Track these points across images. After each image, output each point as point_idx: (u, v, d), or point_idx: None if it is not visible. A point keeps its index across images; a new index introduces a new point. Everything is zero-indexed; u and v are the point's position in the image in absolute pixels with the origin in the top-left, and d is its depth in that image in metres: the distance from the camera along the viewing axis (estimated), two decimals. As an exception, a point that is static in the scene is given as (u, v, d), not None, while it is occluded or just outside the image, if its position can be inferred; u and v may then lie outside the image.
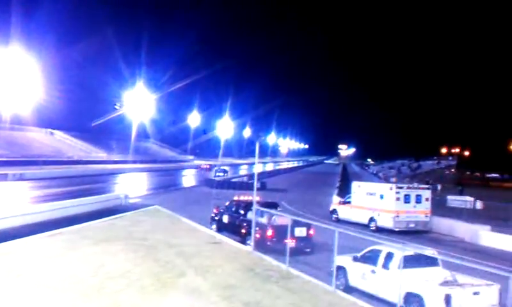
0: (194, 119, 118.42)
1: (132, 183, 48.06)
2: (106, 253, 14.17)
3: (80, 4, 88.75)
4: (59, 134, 79.40)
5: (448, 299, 10.80)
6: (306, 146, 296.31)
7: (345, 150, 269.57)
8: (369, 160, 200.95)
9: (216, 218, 21.22)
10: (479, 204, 38.59)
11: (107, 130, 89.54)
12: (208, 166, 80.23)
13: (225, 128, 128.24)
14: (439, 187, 48.63)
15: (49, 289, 10.64)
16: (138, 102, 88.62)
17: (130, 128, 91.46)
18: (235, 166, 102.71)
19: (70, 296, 10.26)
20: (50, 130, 78.24)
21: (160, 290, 10.93)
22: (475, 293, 11.17)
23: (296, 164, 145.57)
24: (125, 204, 27.34)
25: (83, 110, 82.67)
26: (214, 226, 21.01)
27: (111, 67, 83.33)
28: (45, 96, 67.89)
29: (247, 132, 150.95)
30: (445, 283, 11.79)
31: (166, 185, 47.21)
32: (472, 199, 38.98)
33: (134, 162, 76.41)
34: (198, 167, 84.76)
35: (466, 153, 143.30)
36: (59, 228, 17.58)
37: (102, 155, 78.26)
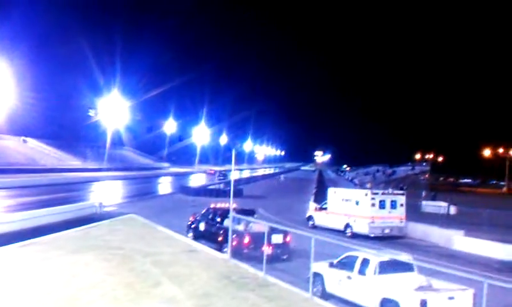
0: (170, 126, 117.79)
1: (107, 191, 47.45)
2: (80, 263, 13.90)
3: (54, 9, 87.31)
4: (32, 142, 77.97)
5: (423, 304, 10.89)
6: (283, 153, 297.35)
7: (321, 157, 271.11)
8: (345, 166, 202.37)
9: (193, 226, 21.06)
10: (452, 210, 39.19)
11: (81, 137, 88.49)
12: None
13: (201, 135, 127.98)
14: (424, 193, 48.98)
15: (20, 301, 10.38)
16: (113, 109, 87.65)
17: (105, 136, 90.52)
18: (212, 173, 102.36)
19: (41, 308, 10.02)
20: (23, 137, 76.77)
21: (134, 300, 10.75)
22: (450, 298, 11.29)
23: (272, 171, 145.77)
24: (99, 212, 26.92)
25: (57, 117, 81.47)
26: (190, 234, 20.84)
27: (86, 74, 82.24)
28: (18, 103, 66.66)
29: (223, 139, 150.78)
30: (421, 288, 11.89)
31: (142, 193, 46.76)
32: (445, 204, 39.57)
33: (109, 169, 75.54)
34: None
35: (440, 158, 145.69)
36: (31, 238, 17.18)
37: (76, 162, 77.19)
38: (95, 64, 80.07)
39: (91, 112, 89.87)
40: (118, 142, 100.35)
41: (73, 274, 12.66)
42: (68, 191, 42.27)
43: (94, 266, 13.65)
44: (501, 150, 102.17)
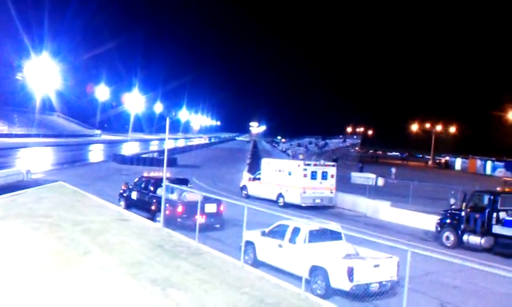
0: (102, 92, 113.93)
1: (35, 158, 45.54)
2: (5, 231, 13.36)
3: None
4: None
5: (350, 271, 11.34)
6: (218, 123, 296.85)
7: (256, 128, 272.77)
8: (279, 137, 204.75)
9: (125, 194, 20.74)
10: (380, 181, 40.84)
11: (7, 101, 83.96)
12: None
13: (135, 102, 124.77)
14: (393, 170, 48.96)
15: None
16: (43, 73, 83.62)
17: (33, 100, 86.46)
18: (146, 142, 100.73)
19: (-38, 278, 9.60)
20: None
21: (62, 268, 10.50)
22: (376, 266, 11.82)
23: (207, 141, 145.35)
24: (27, 180, 25.90)
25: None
26: (122, 203, 20.53)
27: (12, 34, 77.72)
28: None
29: (158, 107, 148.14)
30: (348, 256, 12.38)
31: (72, 161, 45.37)
32: (374, 176, 41.14)
33: (38, 135, 72.49)
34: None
35: (370, 132, 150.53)
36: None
37: (2, 127, 73.38)
38: (21, 23, 75.74)
39: (19, 75, 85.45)
40: (48, 107, 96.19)
41: (-3, 242, 12.18)
42: (-8, 157, 40.27)
43: (20, 234, 13.16)
44: (428, 125, 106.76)
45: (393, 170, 48.35)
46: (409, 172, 58.96)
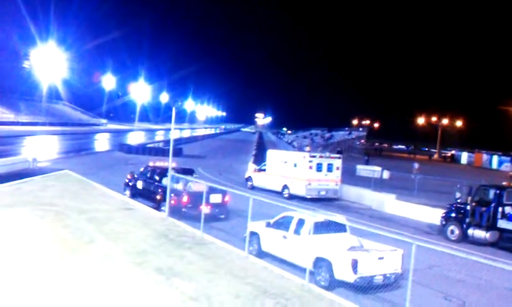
0: (109, 81, 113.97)
1: (42, 147, 45.71)
2: (10, 219, 13.45)
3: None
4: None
5: (354, 263, 11.35)
6: (224, 114, 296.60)
7: (262, 119, 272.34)
8: (285, 129, 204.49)
9: (130, 184, 20.80)
10: (385, 174, 40.74)
11: (14, 89, 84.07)
12: None
13: (141, 92, 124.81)
14: (416, 165, 45.01)
15: None
16: (50, 61, 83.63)
17: (40, 89, 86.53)
18: (152, 131, 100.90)
19: (-31, 264, 9.67)
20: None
21: (68, 256, 10.57)
22: (380, 258, 11.82)
23: (213, 131, 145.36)
24: (33, 168, 26.04)
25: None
26: (127, 192, 20.59)
27: (20, 23, 77.70)
28: None
29: (164, 97, 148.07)
30: (352, 249, 12.38)
31: (78, 149, 45.51)
32: (379, 168, 41.03)
33: (44, 124, 72.66)
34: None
35: (376, 125, 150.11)
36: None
37: (8, 115, 73.56)
38: (27, 12, 75.70)
39: (26, 64, 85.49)
40: (55, 96, 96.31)
41: (4, 229, 12.26)
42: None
43: (26, 222, 13.25)
44: (434, 119, 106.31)
45: (416, 165, 46.07)
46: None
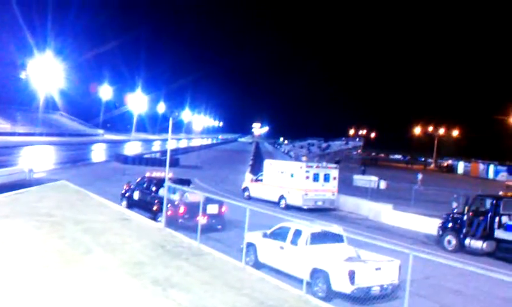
0: (106, 92, 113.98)
1: (38, 157, 45.63)
2: (7, 230, 13.39)
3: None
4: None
5: (352, 274, 11.33)
6: (221, 124, 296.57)
7: (258, 129, 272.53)
8: (282, 139, 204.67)
9: (127, 194, 20.77)
10: (382, 184, 40.80)
11: (11, 99, 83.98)
12: None
13: (138, 102, 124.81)
14: (420, 176, 45.67)
15: None
16: (46, 71, 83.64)
17: (37, 99, 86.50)
18: (148, 142, 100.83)
19: (-36, 275, 9.61)
20: None
21: (65, 267, 10.52)
22: (377, 269, 11.81)
23: (210, 142, 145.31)
24: (29, 178, 25.89)
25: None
26: (124, 203, 20.54)
27: (16, 33, 77.79)
28: None
29: (161, 108, 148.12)
30: (350, 259, 12.38)
31: (74, 160, 45.42)
32: (376, 178, 41.10)
33: (41, 134, 72.57)
34: None
35: (373, 134, 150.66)
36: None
37: (5, 125, 73.46)
38: (24, 22, 75.76)
39: (23, 74, 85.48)
40: (51, 106, 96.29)
41: (0, 240, 12.21)
42: (-5, 155, 40.35)
43: (23, 233, 13.19)
44: (430, 128, 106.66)
45: (420, 176, 45.57)
46: (411, 175, 58.76)
